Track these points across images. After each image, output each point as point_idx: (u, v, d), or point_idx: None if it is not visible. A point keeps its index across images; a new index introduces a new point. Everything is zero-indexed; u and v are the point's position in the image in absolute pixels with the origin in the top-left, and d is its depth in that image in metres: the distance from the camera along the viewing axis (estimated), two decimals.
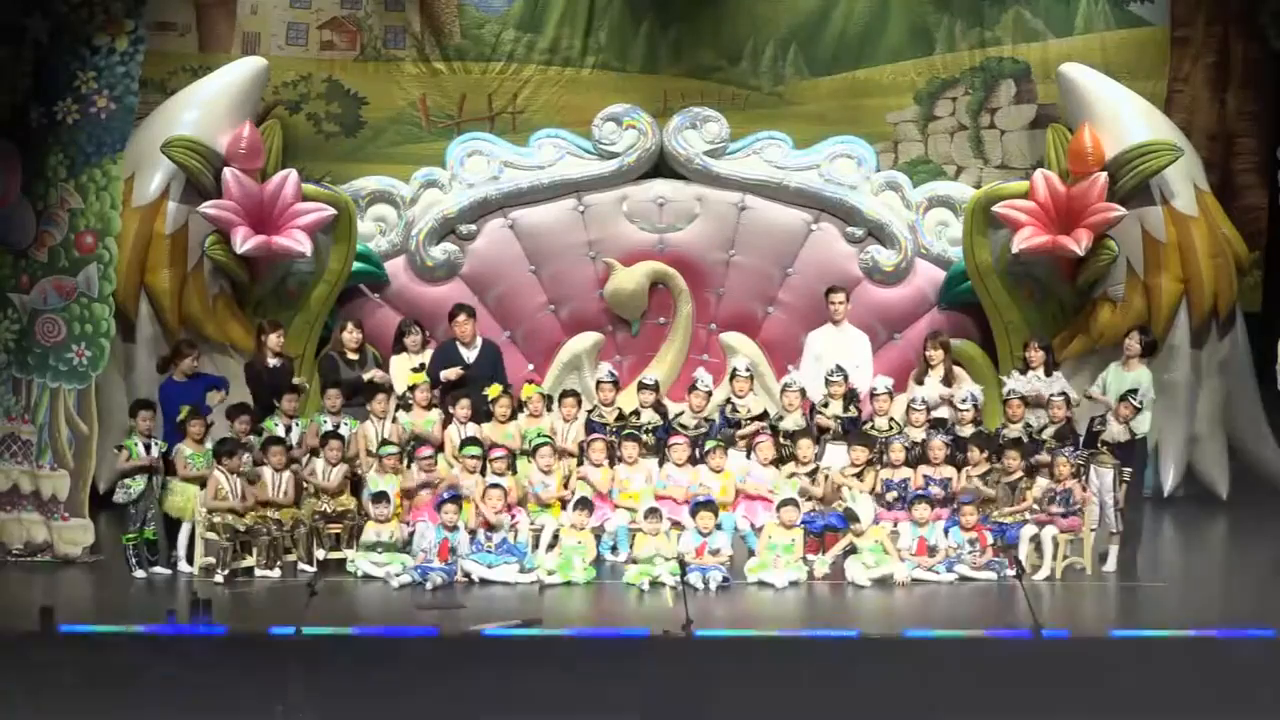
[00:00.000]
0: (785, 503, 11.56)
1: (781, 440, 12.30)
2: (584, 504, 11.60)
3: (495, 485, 11.57)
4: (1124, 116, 14.37)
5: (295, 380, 12.79)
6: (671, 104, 15.20)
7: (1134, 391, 11.98)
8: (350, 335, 12.99)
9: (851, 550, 11.43)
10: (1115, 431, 11.83)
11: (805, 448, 12.11)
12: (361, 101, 15.32)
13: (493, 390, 12.55)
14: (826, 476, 12.03)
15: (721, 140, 14.89)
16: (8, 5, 11.69)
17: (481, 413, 12.50)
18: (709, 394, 12.81)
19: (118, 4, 11.79)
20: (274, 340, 12.74)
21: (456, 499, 11.46)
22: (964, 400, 12.40)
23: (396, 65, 15.30)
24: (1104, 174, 14.07)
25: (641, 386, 12.87)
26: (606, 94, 15.13)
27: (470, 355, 13.07)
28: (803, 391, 12.67)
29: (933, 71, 15.43)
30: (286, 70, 15.16)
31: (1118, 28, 15.30)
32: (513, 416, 12.51)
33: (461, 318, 13.16)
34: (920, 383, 12.96)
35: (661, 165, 14.98)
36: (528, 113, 15.33)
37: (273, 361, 12.68)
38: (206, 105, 14.20)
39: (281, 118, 15.01)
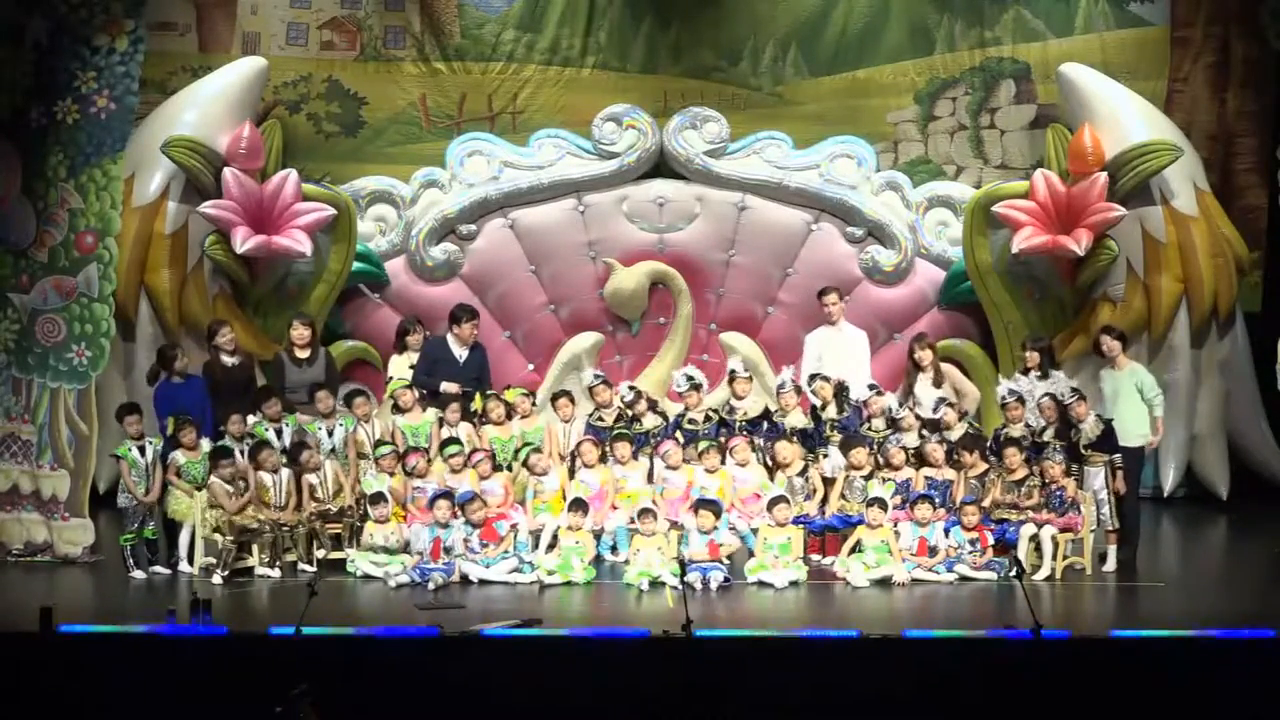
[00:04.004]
0: (776, 500, 11.57)
1: (789, 439, 12.27)
2: (579, 505, 11.59)
3: (474, 496, 11.57)
4: (1124, 116, 14.38)
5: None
6: (671, 104, 15.20)
7: (1071, 389, 11.97)
8: (298, 333, 12.78)
9: (858, 547, 11.44)
10: (1088, 430, 11.81)
11: (786, 449, 12.07)
12: (361, 101, 15.32)
13: (475, 402, 12.56)
14: (819, 477, 12.02)
15: (721, 140, 14.89)
16: (8, 5, 11.69)
17: (470, 414, 12.54)
18: (697, 387, 12.77)
19: (118, 4, 11.79)
20: (224, 339, 12.53)
21: (448, 495, 11.47)
22: (935, 409, 12.35)
23: (396, 65, 15.30)
24: (1104, 174, 14.07)
25: (626, 399, 12.74)
26: (606, 94, 15.13)
27: (462, 355, 13.06)
28: (797, 389, 12.64)
29: (933, 71, 15.44)
30: (286, 70, 15.16)
31: (1118, 28, 15.31)
32: (508, 418, 12.51)
33: (475, 322, 13.09)
34: (911, 385, 12.91)
35: (661, 165, 14.98)
36: (528, 113, 15.33)
37: (229, 360, 12.53)
38: (206, 105, 14.20)
39: (281, 118, 15.01)
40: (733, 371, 12.94)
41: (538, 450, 12.19)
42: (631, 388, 12.94)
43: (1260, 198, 15.12)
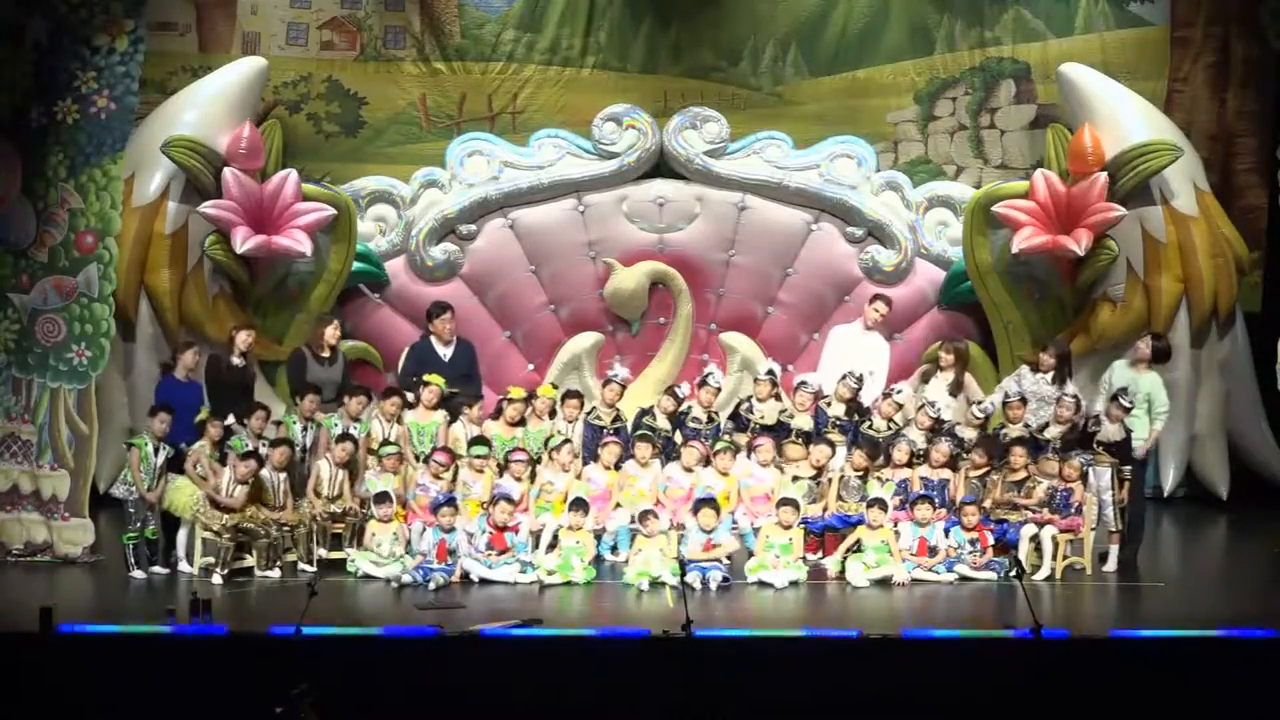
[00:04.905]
0: (784, 502, 11.57)
1: (793, 440, 12.27)
2: (580, 505, 11.58)
3: (506, 497, 11.53)
4: (1124, 116, 14.37)
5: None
6: (671, 104, 15.20)
7: (1124, 390, 11.98)
8: (332, 332, 12.95)
9: (858, 548, 11.43)
10: (1110, 431, 11.84)
11: (821, 452, 12.06)
12: (361, 101, 15.31)
13: (515, 391, 12.54)
14: (830, 480, 12.02)
15: (721, 140, 14.88)
16: (8, 5, 11.69)
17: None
18: (719, 390, 12.78)
19: (118, 4, 11.79)
20: (242, 339, 12.59)
21: (452, 501, 11.47)
22: (983, 409, 12.37)
23: (396, 65, 15.29)
24: (1104, 174, 14.07)
25: (670, 393, 12.71)
26: (606, 94, 15.12)
27: (446, 353, 13.06)
28: (816, 395, 12.61)
29: (933, 71, 15.44)
30: (286, 70, 15.16)
31: (1118, 28, 15.31)
32: (520, 422, 12.49)
33: (446, 316, 13.16)
34: (926, 381, 12.96)
35: (661, 165, 14.98)
36: (528, 113, 15.33)
37: (236, 360, 12.54)
38: (206, 105, 14.19)
39: (281, 118, 15.01)
40: (770, 373, 12.87)
41: (569, 442, 12.13)
42: (685, 396, 12.80)
43: (1260, 198, 15.12)
